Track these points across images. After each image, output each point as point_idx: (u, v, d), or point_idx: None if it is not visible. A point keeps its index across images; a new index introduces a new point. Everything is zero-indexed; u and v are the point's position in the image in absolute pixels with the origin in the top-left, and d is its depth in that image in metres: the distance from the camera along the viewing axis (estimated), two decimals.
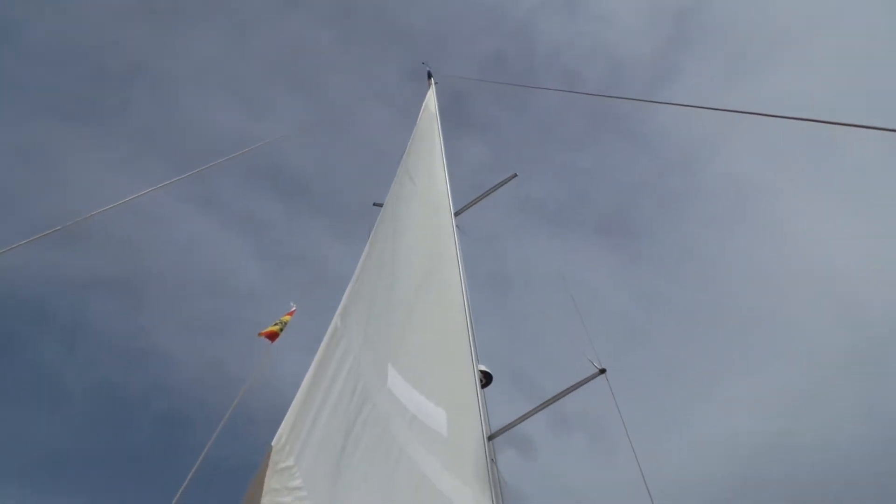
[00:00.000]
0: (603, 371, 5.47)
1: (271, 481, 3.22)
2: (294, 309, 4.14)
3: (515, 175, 9.28)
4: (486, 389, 6.54)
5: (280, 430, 3.43)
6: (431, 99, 12.68)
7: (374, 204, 9.73)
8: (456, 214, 8.96)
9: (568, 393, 5.43)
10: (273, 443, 3.34)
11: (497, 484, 7.03)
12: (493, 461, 6.14)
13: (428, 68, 14.62)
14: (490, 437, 5.89)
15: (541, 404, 5.42)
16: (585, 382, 5.49)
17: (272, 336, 3.88)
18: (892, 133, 3.04)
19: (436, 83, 13.83)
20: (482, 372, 6.51)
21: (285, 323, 4.00)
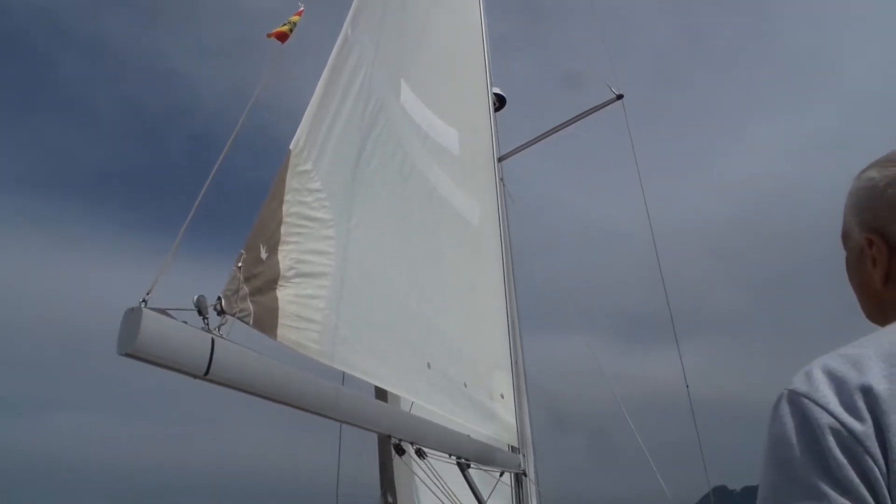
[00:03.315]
0: (620, 97, 5.34)
1: (292, 182, 3.35)
2: (302, 9, 3.88)
3: None
4: (499, 113, 6.50)
5: (297, 135, 3.46)
6: None
7: None
8: None
9: (582, 118, 5.38)
10: (291, 146, 3.40)
11: (504, 201, 7.39)
12: (502, 181, 6.37)
13: None
14: (500, 159, 6.01)
15: (553, 128, 5.41)
16: (601, 108, 5.40)
17: (281, 37, 3.70)
18: None
19: None
20: (496, 95, 6.39)
21: (294, 23, 3.78)
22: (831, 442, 0.65)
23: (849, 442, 0.65)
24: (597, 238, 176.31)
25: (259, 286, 2.93)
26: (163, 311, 2.33)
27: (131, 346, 2.14)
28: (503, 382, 6.22)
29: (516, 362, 6.48)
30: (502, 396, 6.17)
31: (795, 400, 0.71)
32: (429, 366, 4.60)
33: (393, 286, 4.39)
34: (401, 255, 4.60)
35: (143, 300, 2.26)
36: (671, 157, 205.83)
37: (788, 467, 0.68)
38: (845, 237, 0.93)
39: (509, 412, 6.14)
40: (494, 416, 5.82)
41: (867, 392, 0.67)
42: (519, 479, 6.04)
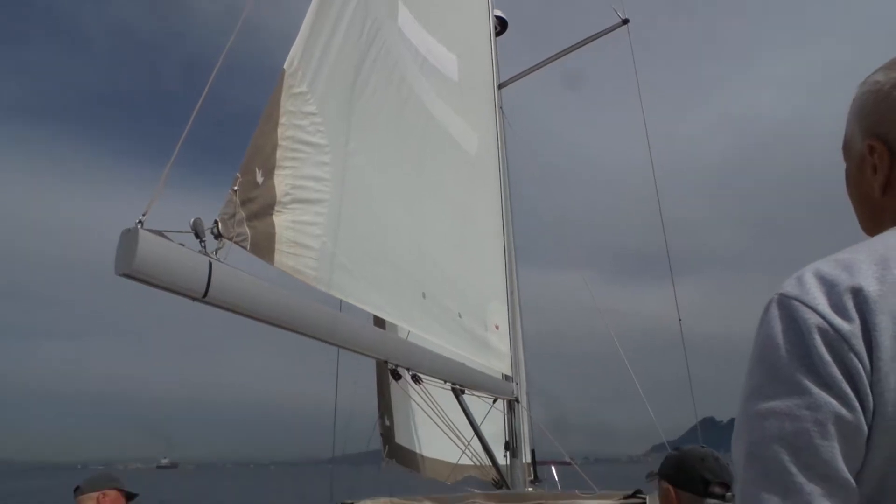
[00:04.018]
0: (626, 21, 5.15)
1: (287, 104, 3.25)
2: None
3: None
4: (500, 37, 6.28)
5: (291, 55, 3.32)
6: None
7: None
8: None
9: (586, 44, 5.20)
10: (285, 66, 3.27)
11: (503, 131, 7.26)
12: (501, 109, 6.22)
13: None
14: (500, 86, 5.85)
15: (556, 54, 5.24)
16: (605, 33, 5.22)
17: None
18: None
19: None
20: (497, 18, 6.15)
21: None
22: (817, 341, 0.66)
23: (835, 341, 0.66)
24: (596, 174, 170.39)
25: (255, 211, 2.89)
26: (159, 233, 2.30)
27: (129, 267, 2.11)
28: (498, 313, 6.29)
29: (512, 294, 6.53)
30: (497, 327, 6.25)
31: (785, 303, 0.70)
32: (424, 296, 4.62)
33: (390, 215, 4.35)
34: (398, 184, 4.54)
35: (140, 221, 2.22)
36: (675, 88, 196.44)
37: (774, 367, 0.69)
38: (847, 147, 0.90)
39: (503, 342, 6.24)
40: (488, 346, 5.92)
41: (857, 293, 0.67)
42: (511, 405, 6.20)
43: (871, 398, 0.64)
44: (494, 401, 6.07)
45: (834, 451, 0.64)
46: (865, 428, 0.65)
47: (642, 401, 7.00)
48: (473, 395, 5.38)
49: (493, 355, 5.94)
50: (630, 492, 3.78)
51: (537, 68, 5.48)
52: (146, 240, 2.17)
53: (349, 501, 3.98)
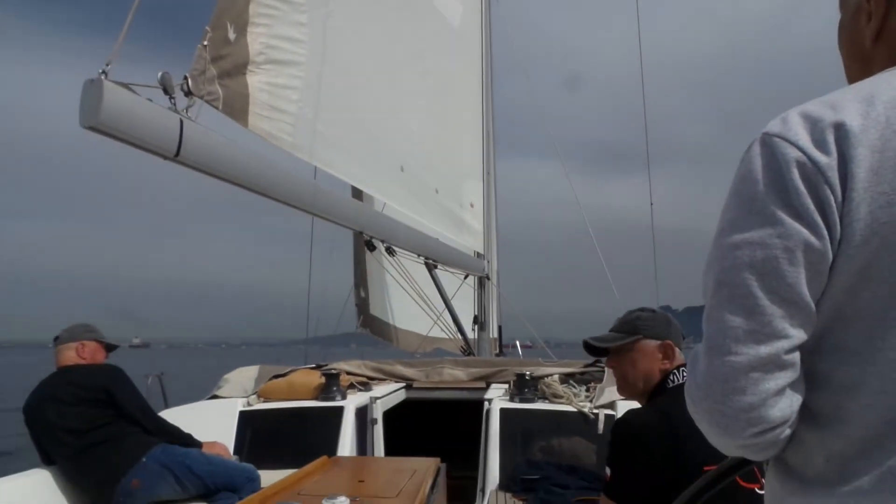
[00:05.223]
0: None
1: None
2: None
3: None
4: None
5: None
6: None
7: None
8: None
9: None
10: None
11: (488, 3, 6.92)
12: None
13: None
14: None
15: None
16: None
17: None
18: None
19: None
20: None
21: None
22: (795, 173, 0.67)
23: (811, 173, 0.67)
24: (575, 64, 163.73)
25: (227, 69, 2.74)
26: (125, 86, 2.18)
27: (95, 119, 2.02)
28: (474, 192, 6.30)
29: (488, 173, 6.51)
30: (472, 205, 6.29)
31: (767, 141, 0.71)
32: (402, 169, 4.58)
33: (369, 84, 4.19)
34: (378, 51, 4.33)
35: (103, 71, 2.10)
36: None
37: (750, 201, 0.70)
38: None
39: (478, 220, 6.30)
40: (463, 224, 5.98)
41: (839, 128, 0.67)
42: (482, 282, 6.39)
43: (839, 228, 0.66)
44: (466, 277, 6.24)
45: (799, 276, 0.67)
46: (831, 255, 0.67)
47: (605, 287, 7.25)
48: (446, 270, 5.50)
49: (468, 233, 6.02)
50: (591, 362, 4.01)
51: None
52: (111, 91, 2.06)
53: (323, 364, 4.15)
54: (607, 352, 1.86)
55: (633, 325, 1.79)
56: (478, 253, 6.38)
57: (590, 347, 1.88)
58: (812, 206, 0.67)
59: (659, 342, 1.75)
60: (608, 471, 1.63)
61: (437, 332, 6.17)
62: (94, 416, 2.52)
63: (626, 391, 1.82)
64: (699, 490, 0.96)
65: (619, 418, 1.72)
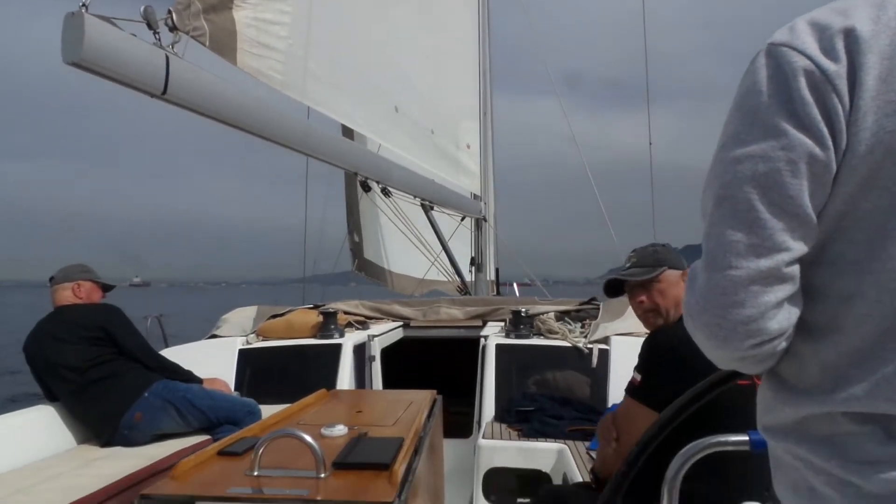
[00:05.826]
0: None
1: None
2: None
3: None
4: None
5: None
6: None
7: None
8: None
9: None
10: None
11: None
12: None
13: None
14: None
15: None
16: None
17: None
18: None
19: None
20: None
21: None
22: (801, 83, 0.65)
23: (819, 81, 0.65)
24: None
25: (212, 3, 2.66)
26: (107, 19, 2.11)
27: (77, 55, 1.97)
28: (470, 133, 6.22)
29: (485, 113, 6.41)
30: (468, 146, 6.22)
31: (773, 51, 0.68)
32: (397, 109, 4.51)
33: (362, 21, 4.08)
34: None
35: (83, 4, 2.04)
36: None
37: (753, 113, 0.68)
38: None
39: (474, 161, 6.25)
40: (459, 165, 5.93)
41: (849, 34, 0.65)
42: (479, 223, 6.39)
43: (845, 137, 0.65)
44: (463, 218, 6.23)
45: (802, 188, 0.66)
46: (834, 166, 0.66)
47: (602, 227, 7.24)
48: (443, 212, 5.49)
49: (464, 174, 5.98)
50: (586, 300, 4.05)
51: None
52: (93, 25, 2.00)
53: (321, 303, 4.20)
54: (623, 290, 1.94)
55: (656, 258, 1.88)
56: (475, 194, 6.36)
57: (614, 284, 1.94)
58: (818, 116, 0.65)
59: (681, 271, 1.86)
60: (637, 376, 1.74)
61: (433, 275, 6.22)
62: (93, 354, 2.57)
63: (654, 322, 1.89)
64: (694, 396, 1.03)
65: (655, 331, 1.83)
